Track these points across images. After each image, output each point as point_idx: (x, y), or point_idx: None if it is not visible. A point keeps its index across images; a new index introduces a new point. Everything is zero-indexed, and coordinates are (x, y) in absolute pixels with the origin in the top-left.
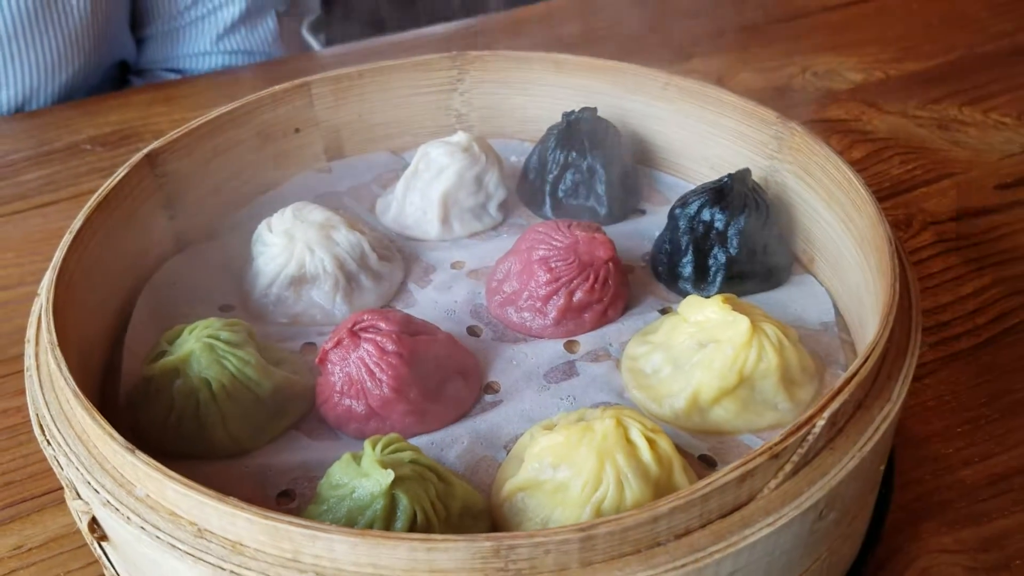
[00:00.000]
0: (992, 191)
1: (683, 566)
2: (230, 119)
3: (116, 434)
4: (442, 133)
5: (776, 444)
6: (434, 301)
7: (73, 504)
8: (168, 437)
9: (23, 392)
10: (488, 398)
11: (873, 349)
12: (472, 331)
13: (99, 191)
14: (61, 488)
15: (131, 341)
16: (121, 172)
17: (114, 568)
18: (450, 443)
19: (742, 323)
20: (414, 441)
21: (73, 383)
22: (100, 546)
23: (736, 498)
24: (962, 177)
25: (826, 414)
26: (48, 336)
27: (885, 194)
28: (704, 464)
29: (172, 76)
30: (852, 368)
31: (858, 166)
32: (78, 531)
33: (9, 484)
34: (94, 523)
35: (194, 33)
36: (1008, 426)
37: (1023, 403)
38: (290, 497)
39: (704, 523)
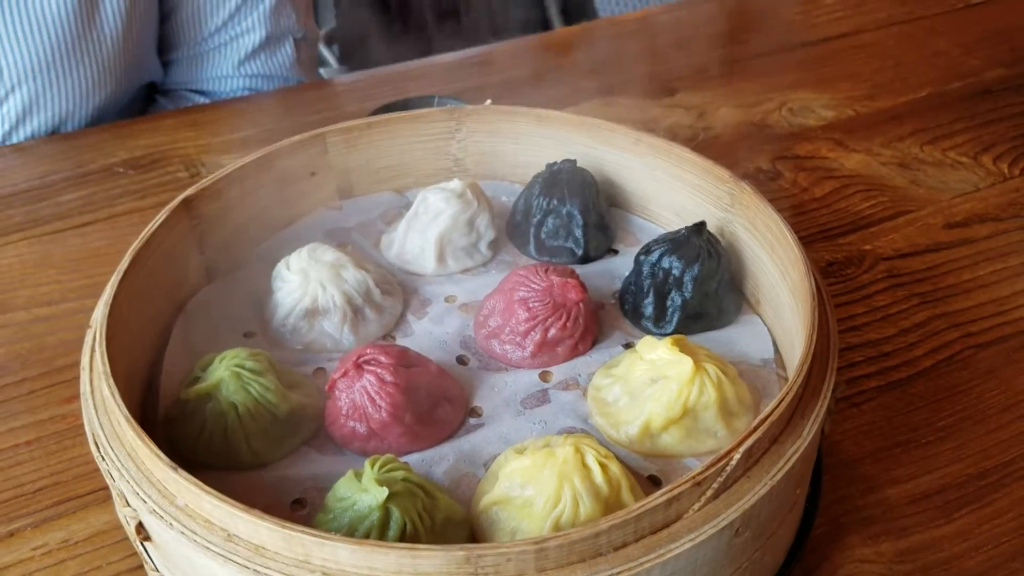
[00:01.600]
0: (941, 229)
1: (619, 573)
2: (256, 166)
3: (162, 455)
4: (441, 175)
5: (699, 474)
6: (429, 332)
7: (123, 511)
8: (200, 450)
9: (69, 400)
10: (472, 421)
11: (787, 394)
12: (461, 360)
13: (142, 234)
14: (103, 488)
15: (168, 364)
16: (161, 216)
17: (154, 564)
18: (438, 460)
19: (686, 363)
20: (407, 458)
21: (125, 410)
22: (143, 545)
23: (665, 517)
24: (916, 215)
25: (741, 449)
26: (103, 367)
27: (845, 230)
28: (652, 483)
29: (197, 97)
30: (767, 410)
31: (822, 203)
32: (118, 527)
33: (57, 484)
34: (140, 526)
35: (217, 58)
36: (934, 450)
37: (949, 429)
38: (302, 504)
39: (638, 538)
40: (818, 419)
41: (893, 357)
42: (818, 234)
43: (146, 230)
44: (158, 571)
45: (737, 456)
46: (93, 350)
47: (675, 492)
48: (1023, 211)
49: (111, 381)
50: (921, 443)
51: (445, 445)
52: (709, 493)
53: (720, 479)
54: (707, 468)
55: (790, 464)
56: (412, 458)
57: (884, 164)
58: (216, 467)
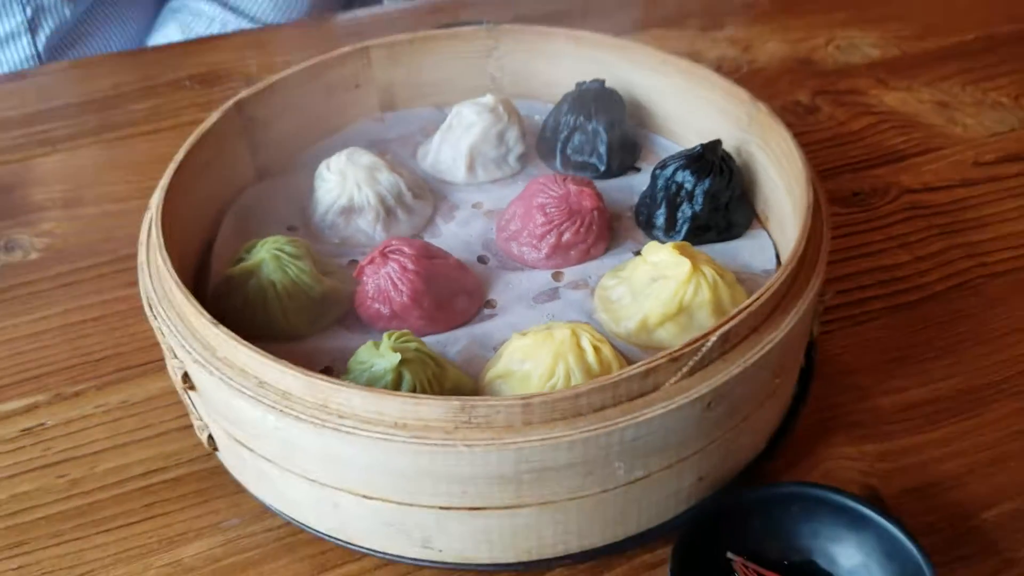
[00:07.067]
0: (971, 166)
1: (595, 430)
2: (305, 76)
3: (205, 312)
4: (479, 91)
5: (676, 351)
6: (455, 234)
7: (171, 363)
8: (243, 323)
9: (132, 284)
10: (486, 311)
11: (768, 289)
12: (481, 259)
13: (196, 130)
14: (159, 360)
15: (219, 248)
16: (215, 116)
17: (198, 411)
18: (452, 342)
19: (684, 264)
20: (424, 339)
21: (175, 274)
22: (188, 395)
23: (643, 387)
24: (947, 151)
25: (719, 332)
26: (158, 240)
27: (875, 163)
28: None
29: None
30: (747, 301)
31: (856, 136)
32: (170, 392)
33: (119, 355)
34: (186, 376)
35: None
36: (930, 366)
37: (949, 348)
38: (330, 372)
39: (616, 403)
40: (798, 315)
41: (904, 282)
42: (846, 166)
43: (199, 128)
44: (202, 420)
45: (714, 338)
46: (150, 228)
47: (653, 364)
48: None
49: (164, 252)
50: (919, 359)
51: (460, 330)
52: (685, 369)
53: (696, 358)
54: (685, 347)
55: (764, 351)
56: (429, 339)
57: (923, 103)
58: (256, 338)
